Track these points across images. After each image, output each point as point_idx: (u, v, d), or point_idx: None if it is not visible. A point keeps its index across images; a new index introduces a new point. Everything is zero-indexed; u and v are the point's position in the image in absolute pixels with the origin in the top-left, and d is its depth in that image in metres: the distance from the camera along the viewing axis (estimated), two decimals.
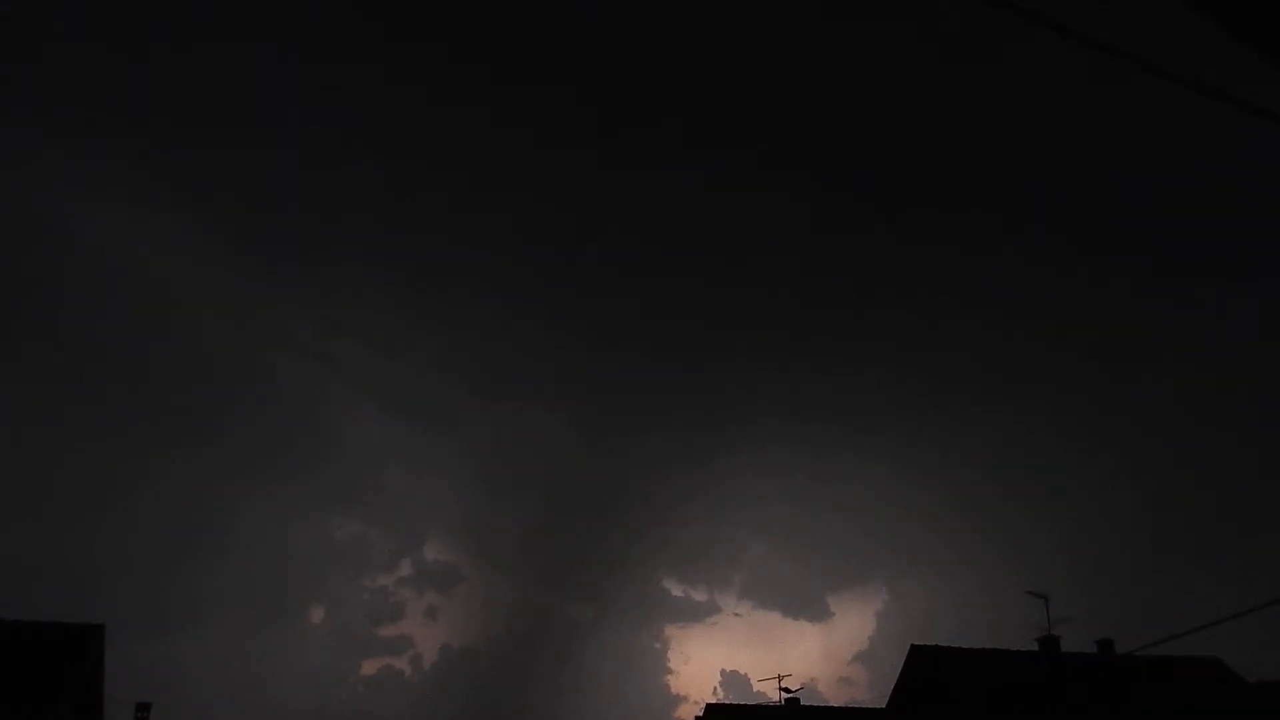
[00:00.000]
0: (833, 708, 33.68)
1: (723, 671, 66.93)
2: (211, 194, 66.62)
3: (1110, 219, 62.36)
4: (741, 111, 67.36)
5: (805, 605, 68.92)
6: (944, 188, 66.09)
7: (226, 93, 63.33)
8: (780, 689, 32.02)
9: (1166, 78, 5.69)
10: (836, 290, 69.86)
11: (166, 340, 66.51)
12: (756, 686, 53.50)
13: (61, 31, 58.88)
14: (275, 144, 65.07)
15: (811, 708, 31.70)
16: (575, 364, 71.50)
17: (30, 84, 59.10)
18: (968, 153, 64.92)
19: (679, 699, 65.57)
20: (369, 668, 67.23)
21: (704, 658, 66.62)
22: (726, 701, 32.34)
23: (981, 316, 65.38)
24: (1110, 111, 56.26)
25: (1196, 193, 58.47)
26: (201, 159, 64.62)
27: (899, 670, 27.00)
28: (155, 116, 62.44)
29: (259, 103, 65.12)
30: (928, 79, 62.01)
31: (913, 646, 26.66)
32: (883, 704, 27.83)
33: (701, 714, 31.86)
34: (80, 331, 62.70)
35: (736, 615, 66.83)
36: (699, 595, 68.38)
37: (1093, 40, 5.49)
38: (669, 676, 62.95)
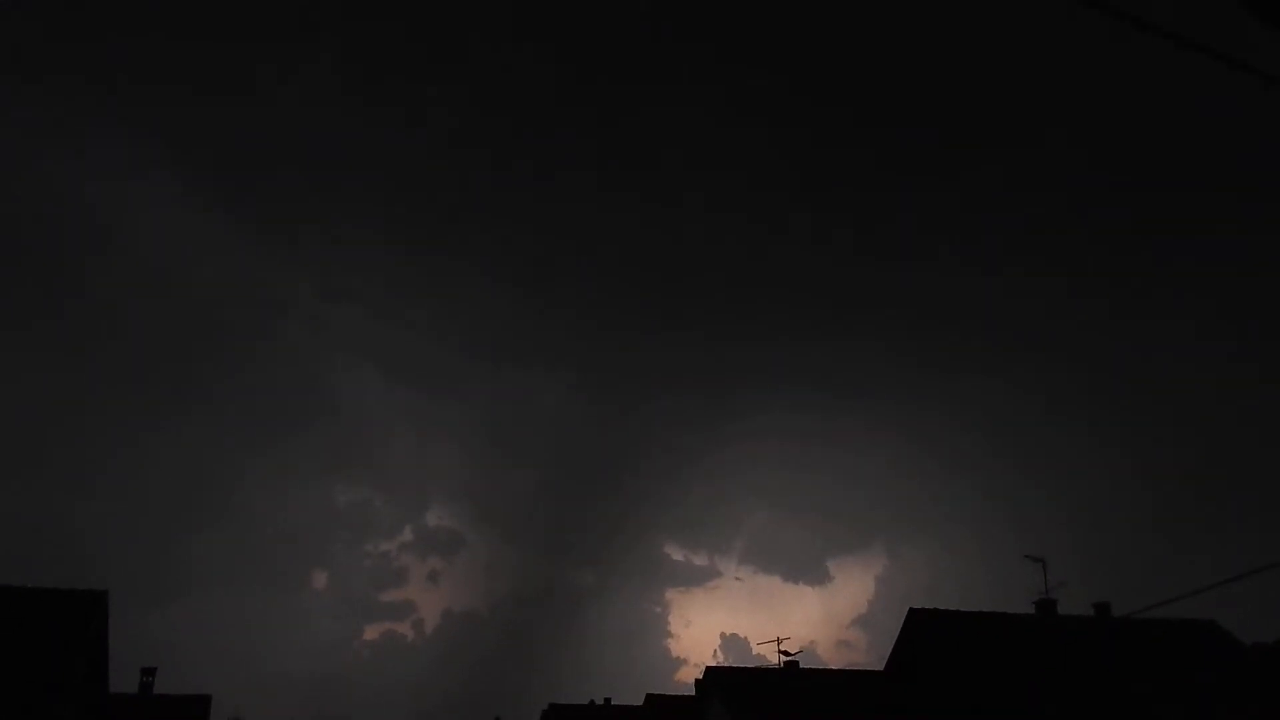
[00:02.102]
0: (831, 670, 34.02)
1: (723, 635, 67.84)
2: (216, 160, 66.41)
3: (1112, 189, 62.01)
4: (753, 82, 66.92)
5: (805, 569, 69.68)
6: (947, 158, 65.70)
7: (232, 56, 62.87)
8: (780, 652, 32.34)
9: (1195, 50, 5.61)
10: (840, 257, 69.73)
11: (169, 306, 66.58)
12: (756, 650, 54.25)
13: (64, 5, 58.26)
14: (280, 109, 64.73)
15: (810, 670, 32.00)
16: (579, 330, 71.67)
17: (28, 50, 58.57)
18: (969, 121, 64.45)
19: (679, 662, 66.39)
20: (371, 633, 68.08)
21: (704, 621, 67.45)
22: (726, 664, 32.64)
23: (983, 283, 65.27)
24: (1115, 77, 55.75)
25: (1198, 162, 58.13)
26: (206, 124, 64.38)
27: (897, 633, 27.20)
28: (157, 81, 62.01)
29: (263, 67, 64.66)
30: (942, 47, 61.44)
31: (911, 610, 26.83)
32: (881, 666, 28.07)
33: (701, 677, 32.20)
34: (82, 298, 62.68)
35: (737, 579, 67.42)
36: (700, 560, 69.00)
37: (1111, 8, 5.41)
38: (670, 640, 63.70)
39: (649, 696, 42.10)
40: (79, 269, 62.90)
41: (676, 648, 63.91)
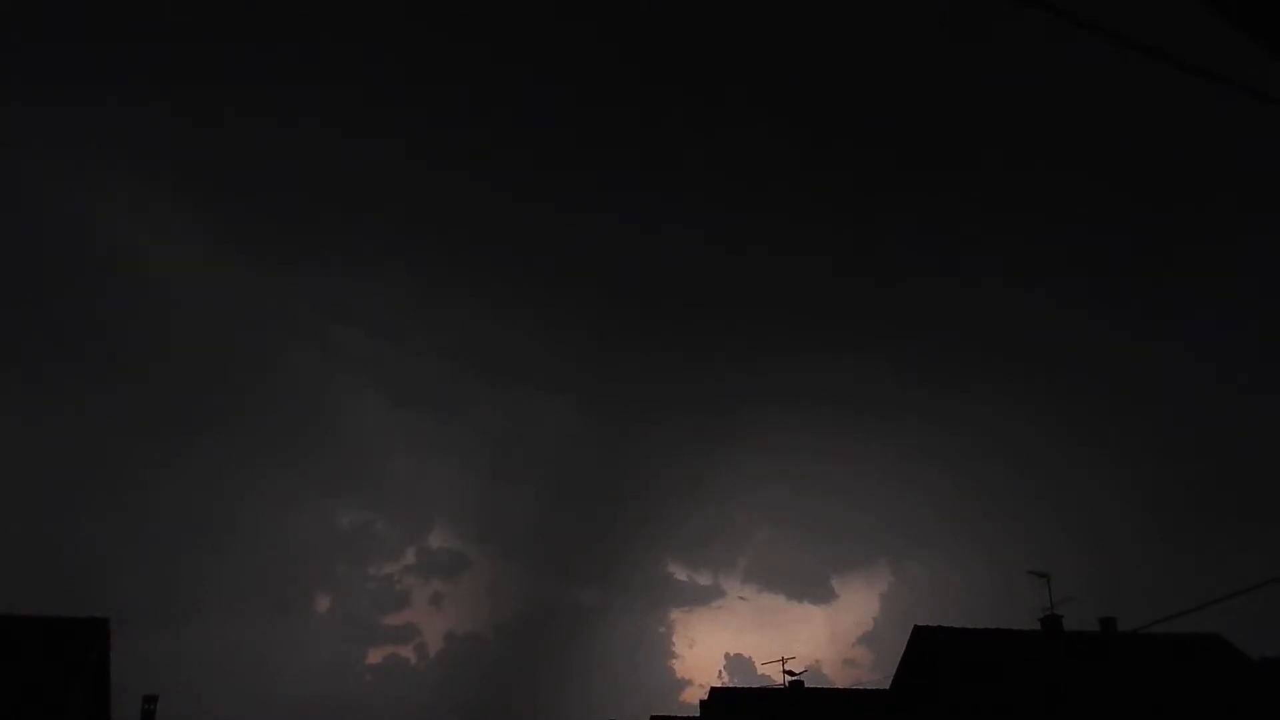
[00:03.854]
0: (836, 689, 33.86)
1: (727, 655, 67.30)
2: (219, 186, 66.57)
3: (1113, 203, 62.15)
4: (750, 98, 67.18)
5: (809, 588, 69.16)
6: (950, 174, 65.91)
7: (236, 85, 63.16)
8: (784, 671, 32.23)
9: (1178, 66, 5.64)
10: (842, 275, 69.82)
11: (172, 331, 66.54)
12: (761, 669, 53.96)
13: (66, 25, 58.69)
14: (282, 137, 64.98)
15: (815, 690, 31.86)
16: (581, 350, 71.53)
17: (36, 78, 58.96)
18: (975, 136, 64.66)
19: (684, 682, 65.92)
20: (375, 656, 67.54)
21: (709, 641, 66.92)
22: (731, 685, 32.52)
23: (985, 298, 65.30)
24: (1115, 95, 56.00)
25: (1193, 177, 58.32)
26: (209, 151, 64.53)
27: (902, 651, 27.06)
28: (162, 109, 62.29)
29: (266, 96, 64.97)
30: (935, 65, 61.79)
31: (916, 627, 26.69)
32: (886, 685, 27.92)
33: (706, 697, 32.04)
34: (86, 324, 62.72)
35: (741, 599, 67.01)
36: (704, 579, 68.56)
37: (1092, 25, 5.45)
38: (674, 660, 63.21)
39: (653, 718, 41.82)
40: (80, 292, 62.97)
41: (681, 668, 63.39)
